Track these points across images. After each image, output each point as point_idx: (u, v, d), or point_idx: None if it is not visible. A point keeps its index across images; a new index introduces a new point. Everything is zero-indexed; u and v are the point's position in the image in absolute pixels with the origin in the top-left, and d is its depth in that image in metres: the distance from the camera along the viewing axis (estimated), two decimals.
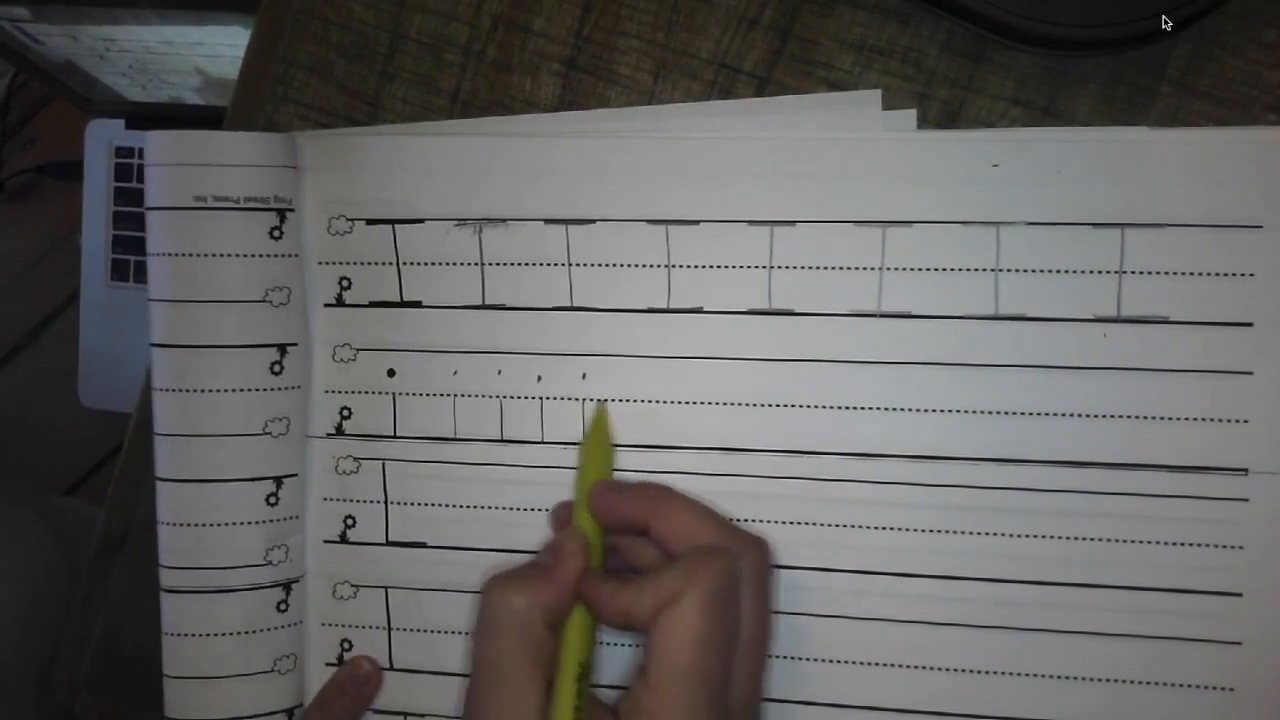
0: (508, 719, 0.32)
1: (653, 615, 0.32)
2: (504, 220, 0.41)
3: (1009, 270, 0.37)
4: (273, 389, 0.41)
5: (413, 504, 0.42)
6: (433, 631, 0.41)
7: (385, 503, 0.42)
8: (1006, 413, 0.37)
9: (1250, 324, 0.36)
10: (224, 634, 0.41)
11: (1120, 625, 0.37)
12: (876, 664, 0.38)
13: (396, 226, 0.41)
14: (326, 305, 0.42)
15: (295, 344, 0.41)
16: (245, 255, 0.40)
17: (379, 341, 0.42)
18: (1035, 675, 0.37)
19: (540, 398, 0.40)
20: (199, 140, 0.40)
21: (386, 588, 0.42)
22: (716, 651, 0.32)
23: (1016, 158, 0.37)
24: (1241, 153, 0.36)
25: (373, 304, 0.42)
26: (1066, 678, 0.37)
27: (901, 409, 0.38)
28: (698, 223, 0.39)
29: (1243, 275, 0.36)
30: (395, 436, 0.42)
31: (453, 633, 0.41)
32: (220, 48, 0.82)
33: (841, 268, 0.38)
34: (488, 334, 0.41)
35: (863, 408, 0.38)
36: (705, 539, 0.34)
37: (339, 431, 0.42)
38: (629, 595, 0.33)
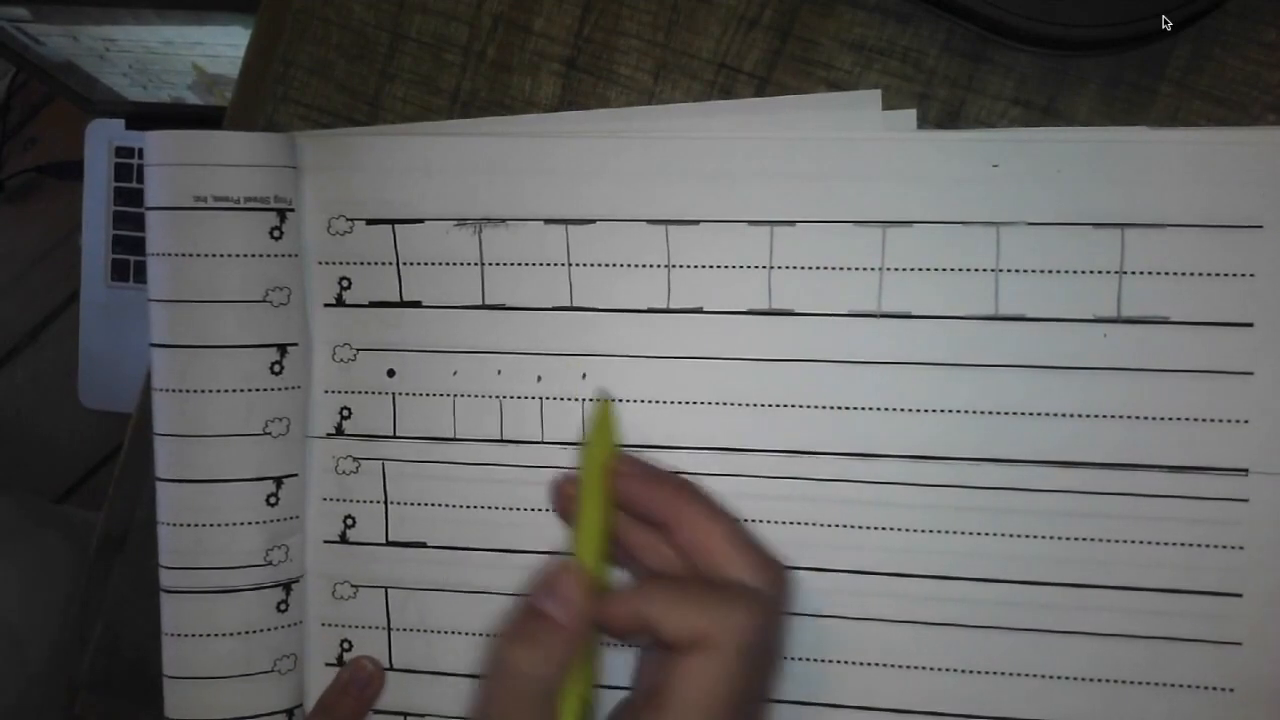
0: None
1: (678, 640, 0.30)
2: (504, 220, 0.41)
3: (1009, 270, 0.37)
4: (272, 389, 0.41)
5: (412, 504, 0.42)
6: (432, 631, 0.42)
7: (385, 503, 0.42)
8: (1006, 413, 0.37)
9: (1250, 324, 0.36)
10: (224, 634, 0.41)
11: (1119, 625, 0.37)
12: (873, 664, 0.38)
13: (396, 226, 0.41)
14: (326, 305, 0.42)
15: (295, 344, 0.41)
16: (245, 255, 0.40)
17: (379, 341, 0.42)
18: (1034, 675, 0.37)
19: (540, 398, 0.40)
20: (199, 140, 0.40)
21: (386, 588, 0.42)
22: (738, 708, 0.30)
23: (1016, 158, 0.37)
24: (1241, 153, 0.36)
25: (372, 304, 0.42)
26: (1065, 678, 0.37)
27: (901, 409, 0.38)
28: (698, 223, 0.39)
29: (1243, 275, 0.36)
30: (395, 436, 0.42)
31: (452, 633, 0.41)
32: (220, 48, 0.82)
33: (841, 268, 0.38)
34: (487, 334, 0.41)
35: (862, 408, 0.38)
36: (737, 572, 0.32)
37: (339, 431, 0.42)
38: (656, 609, 0.31)
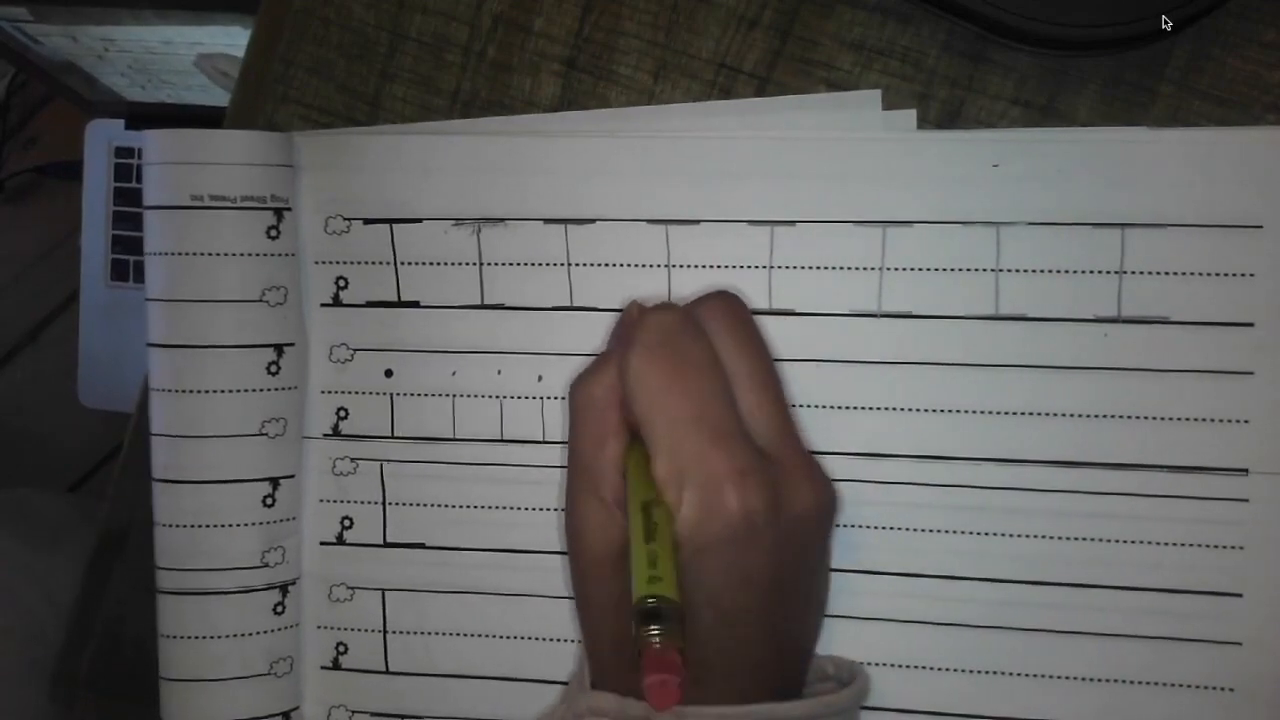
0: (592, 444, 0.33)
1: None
2: (503, 220, 0.40)
3: (1009, 270, 0.37)
4: (269, 389, 0.41)
5: (411, 505, 0.41)
6: (430, 634, 0.41)
7: (383, 504, 0.42)
8: (1007, 413, 0.37)
9: (1250, 324, 0.36)
10: (220, 636, 0.40)
11: (1120, 625, 0.37)
12: (878, 664, 0.38)
13: (394, 226, 0.41)
14: (323, 305, 0.42)
15: (292, 344, 0.41)
16: (242, 254, 0.40)
17: (376, 341, 0.42)
18: (1036, 675, 0.37)
19: (540, 398, 0.40)
20: (196, 139, 0.40)
21: (383, 590, 0.42)
22: (687, 388, 0.32)
23: (1016, 158, 0.37)
24: (1241, 153, 0.36)
25: (370, 304, 0.42)
26: (1067, 678, 0.37)
27: (901, 409, 0.38)
28: (698, 223, 0.39)
29: (1243, 275, 0.36)
30: (393, 437, 0.42)
31: (451, 634, 0.41)
32: (220, 48, 0.82)
33: (841, 268, 0.38)
34: (487, 334, 0.41)
35: (862, 408, 0.38)
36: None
37: (336, 432, 0.42)
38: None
